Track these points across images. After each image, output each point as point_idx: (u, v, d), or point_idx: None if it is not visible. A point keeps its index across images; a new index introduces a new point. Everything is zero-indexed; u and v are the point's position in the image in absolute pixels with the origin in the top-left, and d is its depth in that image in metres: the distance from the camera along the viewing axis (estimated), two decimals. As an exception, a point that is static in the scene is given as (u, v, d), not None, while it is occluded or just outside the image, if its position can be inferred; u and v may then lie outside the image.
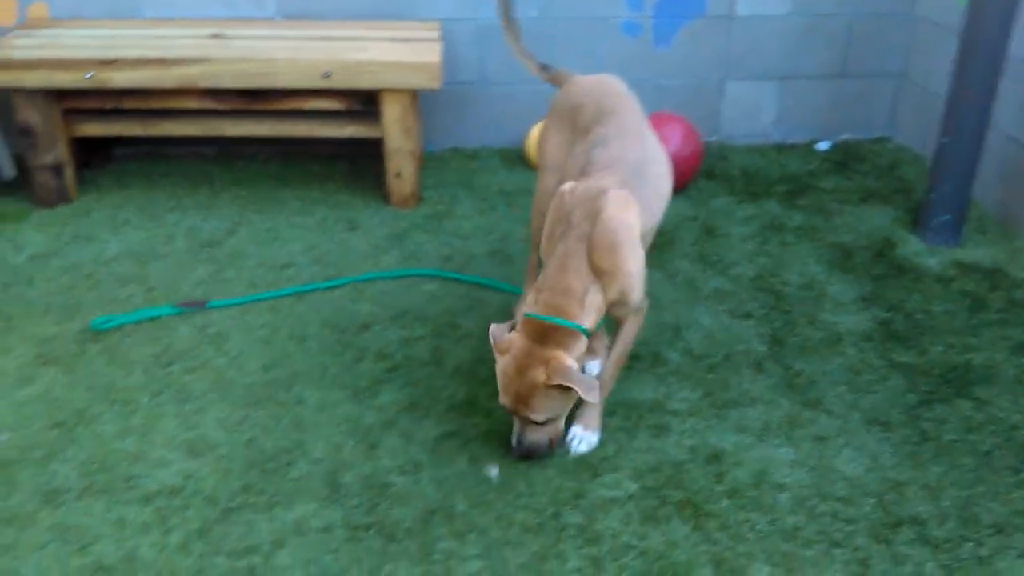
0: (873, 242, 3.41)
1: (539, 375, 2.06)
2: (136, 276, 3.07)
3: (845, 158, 4.18)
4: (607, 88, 2.56)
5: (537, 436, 2.20)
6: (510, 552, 2.03)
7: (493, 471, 2.25)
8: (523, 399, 2.10)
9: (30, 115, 3.38)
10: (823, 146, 4.30)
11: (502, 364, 2.12)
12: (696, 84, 4.19)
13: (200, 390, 2.52)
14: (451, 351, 2.71)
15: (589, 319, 2.13)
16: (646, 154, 2.36)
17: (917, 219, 3.49)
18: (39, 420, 2.39)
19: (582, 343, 2.12)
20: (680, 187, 3.61)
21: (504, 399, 2.14)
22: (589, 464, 2.29)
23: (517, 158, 4.07)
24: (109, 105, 3.47)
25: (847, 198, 3.79)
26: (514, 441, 2.22)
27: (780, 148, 4.26)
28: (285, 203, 3.63)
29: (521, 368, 2.08)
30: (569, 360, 2.07)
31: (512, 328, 2.18)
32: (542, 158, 2.65)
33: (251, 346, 2.71)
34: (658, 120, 3.47)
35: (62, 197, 3.53)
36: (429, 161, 4.03)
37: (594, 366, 2.57)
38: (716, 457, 2.31)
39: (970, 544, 2.07)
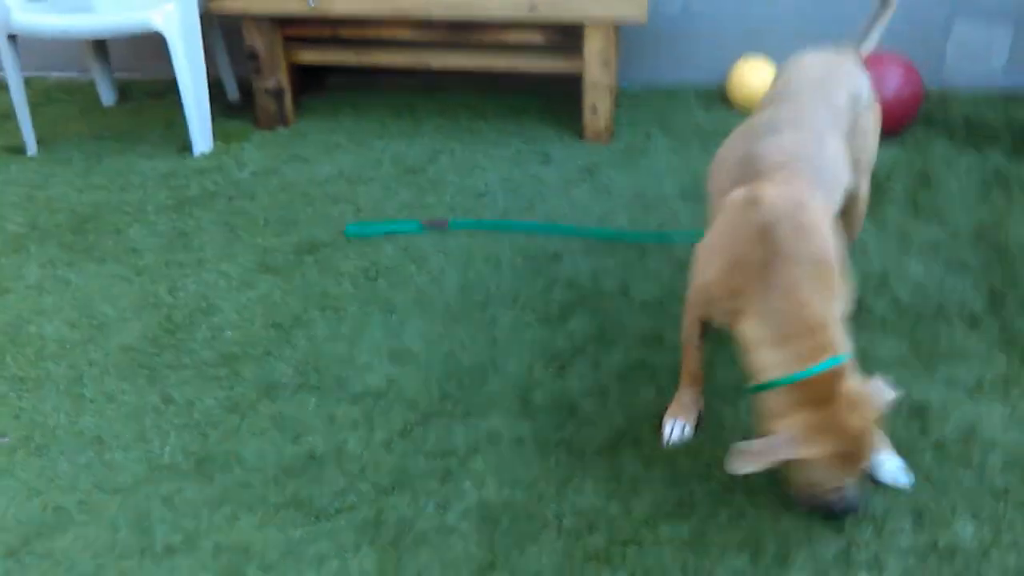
0: (1114, 200, 3.09)
1: (860, 422, 1.74)
2: (346, 196, 3.25)
3: (1084, 108, 3.78)
4: (821, 66, 2.24)
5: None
6: (698, 483, 2.03)
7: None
8: (858, 459, 1.78)
9: (256, 40, 3.62)
10: (1058, 94, 3.91)
11: (824, 453, 1.73)
12: (919, 22, 3.88)
13: (403, 304, 2.65)
14: (639, 285, 2.71)
15: (844, 342, 1.80)
16: (823, 153, 2.02)
17: None
18: (259, 321, 2.61)
19: (852, 367, 1.80)
20: (895, 131, 3.40)
21: (839, 480, 1.80)
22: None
23: (716, 97, 3.96)
24: (327, 34, 3.66)
25: (1082, 151, 3.44)
26: (851, 503, 1.86)
27: (1010, 96, 3.91)
28: (482, 134, 3.72)
29: (841, 432, 1.73)
30: (851, 384, 1.76)
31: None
32: (717, 181, 2.13)
33: (449, 268, 2.82)
34: (875, 60, 3.26)
35: (281, 120, 3.78)
36: (624, 98, 3.99)
37: (890, 462, 2.05)
38: (922, 410, 2.19)
39: None
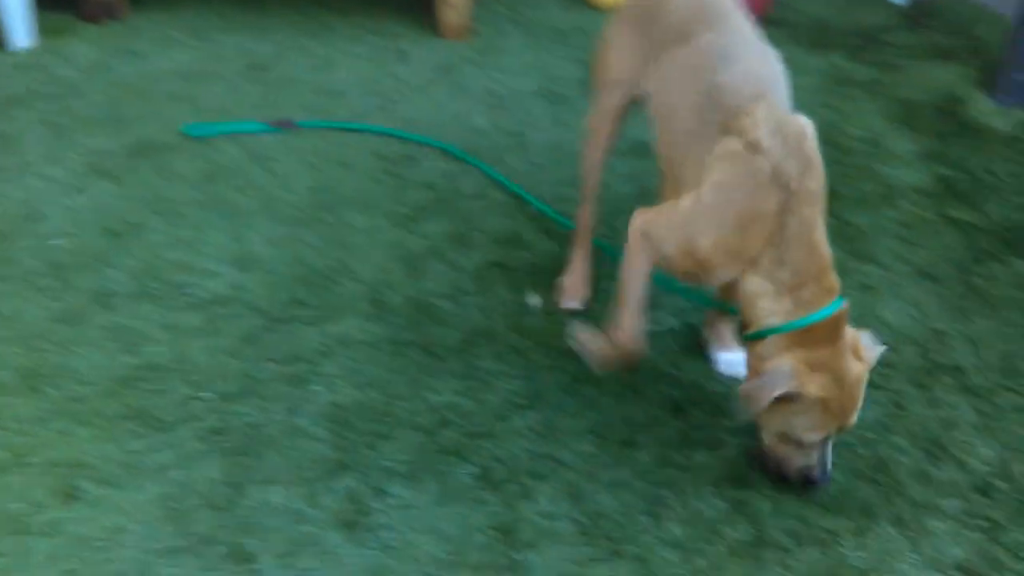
0: (941, 99, 3.26)
1: (860, 368, 1.69)
2: (186, 94, 3.05)
3: (920, 14, 3.95)
4: None
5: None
6: (549, 374, 2.07)
7: (534, 301, 2.27)
8: (851, 407, 1.70)
9: (76, -76, 3.29)
10: (899, 0, 4.06)
11: (820, 392, 1.64)
12: (769, -77, 3.92)
13: (247, 207, 2.53)
14: (497, 186, 2.68)
15: None
16: (775, 70, 1.87)
17: (989, 79, 3.32)
18: (92, 227, 2.44)
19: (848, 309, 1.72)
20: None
21: (828, 428, 1.70)
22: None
23: (574, -4, 3.91)
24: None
25: (918, 54, 3.61)
26: (819, 473, 1.77)
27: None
28: (335, 30, 3.54)
29: (840, 375, 1.65)
30: (854, 334, 1.72)
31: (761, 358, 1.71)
32: (605, 70, 2.13)
33: (298, 169, 2.70)
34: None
35: (111, 12, 3.47)
36: (482, -5, 3.88)
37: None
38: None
39: (1010, 394, 2.07)
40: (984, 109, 3.21)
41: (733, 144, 1.71)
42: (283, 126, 2.87)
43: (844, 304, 1.67)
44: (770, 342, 1.69)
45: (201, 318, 2.16)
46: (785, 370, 1.64)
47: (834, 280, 1.68)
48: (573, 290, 2.27)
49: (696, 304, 2.22)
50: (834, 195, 2.68)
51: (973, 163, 2.91)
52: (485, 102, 3.11)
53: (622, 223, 2.52)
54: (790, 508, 1.81)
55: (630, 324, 1.90)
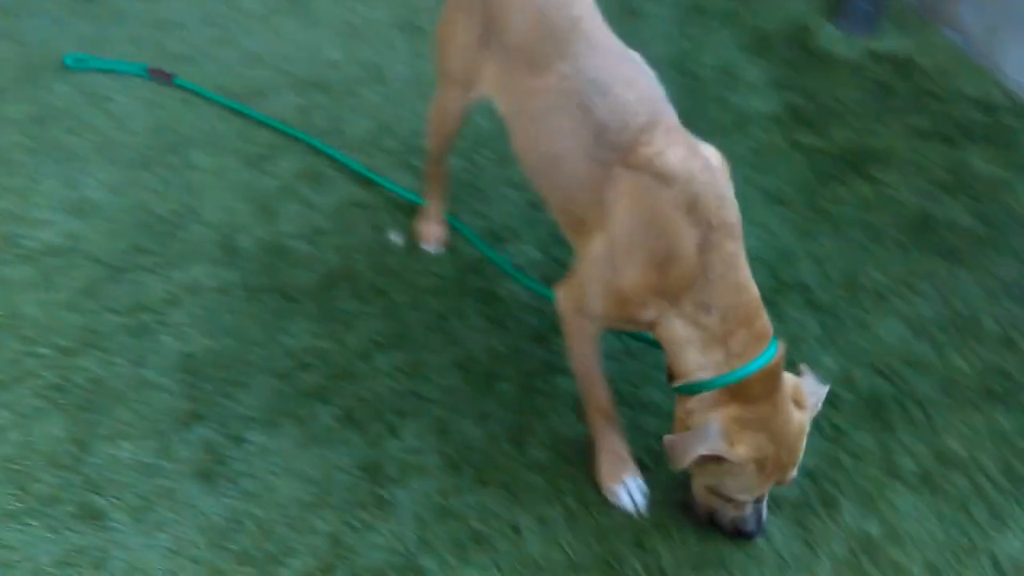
0: (791, 28, 3.35)
1: (801, 418, 1.54)
2: (6, 30, 2.79)
3: (770, -56, 4.03)
4: None
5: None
6: (412, 313, 2.04)
7: (396, 238, 2.22)
8: (790, 461, 1.55)
9: None
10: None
11: (753, 453, 1.49)
12: None
13: (83, 151, 2.35)
14: (352, 121, 2.59)
15: None
16: (647, 80, 1.69)
17: (836, 7, 3.43)
18: (-96, 178, 2.22)
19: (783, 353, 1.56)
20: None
21: (763, 487, 1.56)
22: (494, 233, 2.28)
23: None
24: None
25: (768, -17, 3.69)
26: (752, 526, 1.64)
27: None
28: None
29: (778, 431, 1.50)
30: (793, 380, 1.58)
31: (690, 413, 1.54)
32: (444, 59, 1.92)
33: (137, 108, 2.53)
34: None
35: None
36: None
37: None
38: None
39: (853, 309, 2.17)
40: (832, 37, 3.31)
41: (638, 177, 1.52)
42: (159, 77, 2.64)
43: (779, 350, 1.51)
44: (700, 398, 1.52)
45: (33, 270, 2.01)
46: (712, 430, 1.48)
47: (766, 323, 1.53)
48: (428, 234, 2.21)
49: (644, 343, 2.01)
50: (689, 124, 2.74)
51: (820, 90, 3.01)
52: (339, 33, 2.98)
53: (483, 157, 2.51)
54: (648, 426, 1.85)
55: (600, 398, 1.73)
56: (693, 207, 1.48)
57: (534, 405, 1.88)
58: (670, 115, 1.63)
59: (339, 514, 1.64)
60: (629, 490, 1.72)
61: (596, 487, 1.73)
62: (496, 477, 1.73)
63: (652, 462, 1.78)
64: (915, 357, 2.08)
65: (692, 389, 1.53)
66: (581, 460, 1.77)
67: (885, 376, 2.02)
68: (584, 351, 1.70)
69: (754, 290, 1.52)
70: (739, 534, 1.65)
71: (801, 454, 1.55)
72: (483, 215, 2.33)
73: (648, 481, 1.74)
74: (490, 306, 2.07)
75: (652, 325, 1.56)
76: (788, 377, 1.55)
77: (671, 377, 1.60)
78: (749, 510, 1.61)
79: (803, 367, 1.63)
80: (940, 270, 2.35)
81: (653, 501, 1.72)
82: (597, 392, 1.73)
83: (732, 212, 1.52)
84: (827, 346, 2.08)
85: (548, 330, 2.02)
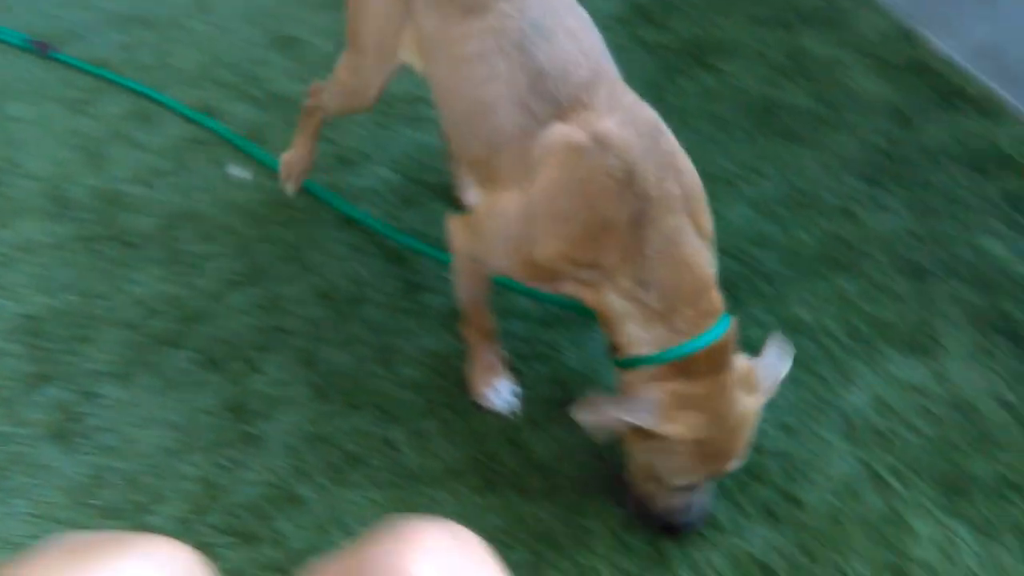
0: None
1: (750, 404, 1.44)
2: None
3: None
4: None
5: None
6: (264, 247, 1.98)
7: (238, 171, 2.14)
8: (732, 449, 1.45)
9: None
10: None
11: (688, 432, 1.39)
12: None
13: None
14: (180, 53, 2.46)
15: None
16: (593, 34, 1.54)
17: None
18: None
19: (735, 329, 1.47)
20: None
21: (698, 474, 1.46)
22: (343, 158, 2.23)
23: None
24: None
25: None
26: (682, 519, 1.53)
27: None
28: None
29: (720, 414, 1.40)
30: (747, 361, 1.48)
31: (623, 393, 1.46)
32: (358, 24, 1.75)
33: (-62, 62, 2.34)
34: None
35: None
36: None
37: None
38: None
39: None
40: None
41: (575, 135, 1.38)
42: (38, 49, 2.39)
43: (729, 329, 1.42)
44: (639, 372, 1.42)
45: None
46: (648, 402, 1.38)
47: (716, 301, 1.42)
48: (288, 169, 2.08)
49: (553, 305, 1.94)
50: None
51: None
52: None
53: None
54: (517, 331, 1.88)
55: (483, 328, 1.71)
56: (630, 177, 1.34)
57: (401, 325, 1.87)
58: (614, 74, 1.50)
59: (207, 456, 1.61)
60: (500, 393, 1.73)
61: (470, 397, 1.75)
62: (367, 399, 1.73)
63: (523, 365, 1.81)
64: (762, 236, 2.17)
65: (632, 363, 1.43)
66: (453, 373, 1.78)
67: (735, 256, 2.10)
68: (473, 290, 1.66)
69: (703, 267, 1.40)
70: (666, 528, 1.54)
71: (744, 442, 1.44)
72: (331, 140, 2.27)
73: (520, 383, 1.77)
74: (346, 232, 2.04)
75: (579, 294, 1.45)
76: (741, 359, 1.44)
77: (612, 350, 1.49)
78: (684, 500, 1.50)
79: (770, 342, 1.51)
80: (783, 152, 2.44)
81: (525, 399, 1.76)
82: (479, 319, 1.70)
83: (676, 184, 1.38)
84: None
85: (408, 250, 2.01)
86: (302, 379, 1.74)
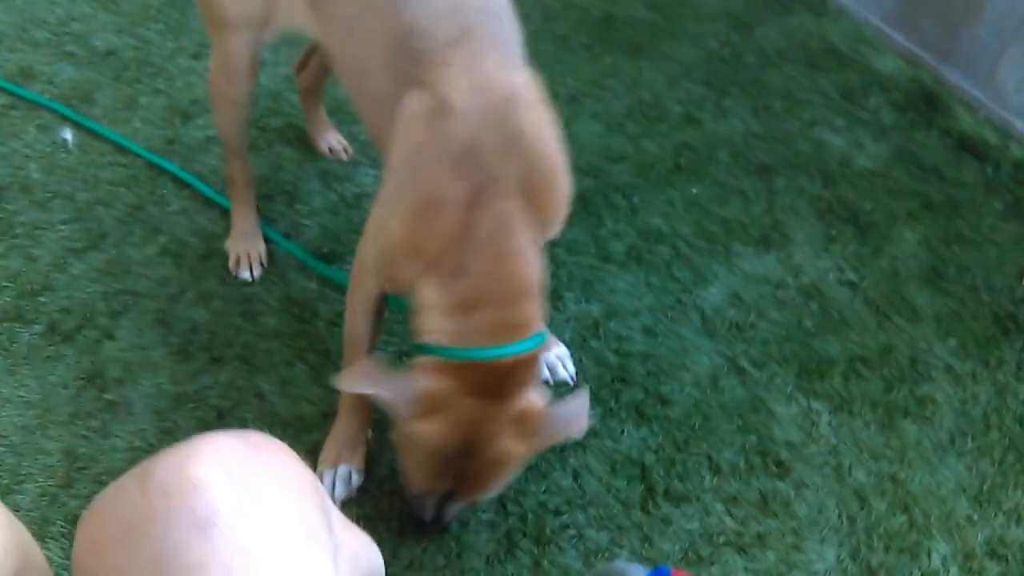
0: None
1: (513, 447, 1.26)
2: None
3: None
4: None
5: (466, 503, 1.38)
6: (103, 210, 1.89)
7: (66, 134, 2.02)
8: (476, 480, 1.29)
9: None
10: None
11: (431, 438, 1.24)
12: None
13: None
14: (-9, 16, 2.29)
15: (543, 305, 1.29)
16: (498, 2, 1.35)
17: None
18: None
19: (542, 354, 1.34)
20: None
21: (432, 484, 1.31)
22: (180, 109, 2.14)
23: None
24: None
25: None
26: (429, 516, 1.39)
27: None
28: None
29: (474, 440, 1.24)
30: (543, 403, 1.28)
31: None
32: (217, 6, 1.54)
33: None
34: None
35: None
36: None
37: (560, 354, 1.74)
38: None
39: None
40: None
41: (420, 100, 1.23)
42: None
43: (531, 352, 1.25)
44: (427, 361, 1.25)
45: None
46: (410, 390, 1.23)
47: (529, 314, 1.25)
48: (243, 255, 1.82)
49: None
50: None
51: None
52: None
53: (152, 31, 2.31)
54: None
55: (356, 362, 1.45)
56: (469, 149, 1.19)
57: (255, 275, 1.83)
58: (492, 31, 1.29)
59: (68, 429, 1.54)
60: (336, 477, 1.51)
61: (336, 350, 1.73)
62: (230, 353, 1.69)
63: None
64: (612, 150, 2.22)
65: (421, 349, 1.27)
66: (315, 318, 1.76)
67: (587, 173, 2.14)
68: (353, 312, 1.43)
69: (527, 267, 1.24)
70: (411, 515, 1.44)
71: (489, 483, 1.30)
72: (164, 92, 2.17)
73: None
74: (186, 188, 1.96)
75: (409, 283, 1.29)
76: (535, 395, 1.27)
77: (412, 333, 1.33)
78: (426, 501, 1.35)
79: (577, 393, 1.31)
80: (625, 65, 2.48)
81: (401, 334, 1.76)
82: (354, 358, 1.45)
83: (517, 166, 1.21)
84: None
85: (259, 198, 1.95)
86: (160, 340, 1.69)
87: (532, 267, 1.24)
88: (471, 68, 1.23)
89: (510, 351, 1.22)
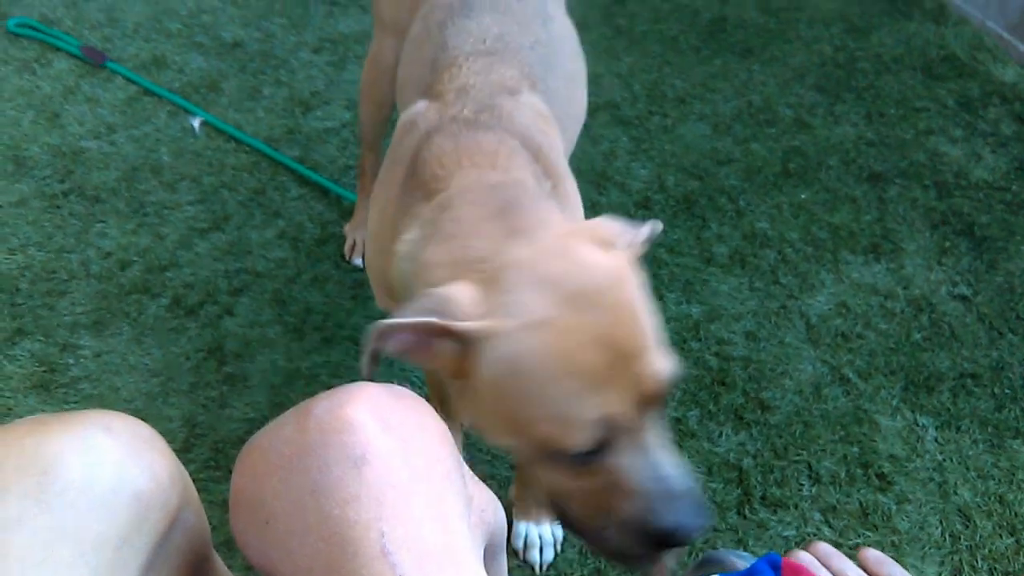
0: None
1: (613, 260, 0.88)
2: None
3: None
4: None
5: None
6: (227, 193, 1.99)
7: (195, 121, 2.13)
8: (637, 329, 0.84)
9: None
10: None
11: (545, 313, 0.81)
12: None
13: None
14: (124, 7, 2.43)
15: None
16: (549, 33, 1.29)
17: None
18: None
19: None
20: None
21: (636, 369, 0.81)
22: (302, 101, 2.22)
23: None
24: None
25: None
26: (671, 519, 0.82)
27: None
28: None
29: (590, 275, 0.84)
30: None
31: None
32: (378, 4, 1.59)
33: None
34: None
35: None
36: None
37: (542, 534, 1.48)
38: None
39: (656, 117, 2.27)
40: None
41: (412, 111, 1.16)
42: (91, 58, 2.25)
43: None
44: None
45: None
46: (442, 294, 0.87)
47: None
48: (358, 245, 1.88)
49: None
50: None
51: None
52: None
53: (275, 24, 2.40)
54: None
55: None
56: (415, 165, 1.04)
57: (368, 260, 1.89)
58: (520, 60, 1.20)
59: (189, 397, 1.63)
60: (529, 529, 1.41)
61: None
62: (341, 333, 1.76)
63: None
64: (719, 152, 2.21)
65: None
66: (422, 303, 1.81)
67: (693, 175, 2.14)
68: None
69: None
70: (623, 558, 0.87)
71: (645, 322, 0.85)
72: (286, 84, 2.26)
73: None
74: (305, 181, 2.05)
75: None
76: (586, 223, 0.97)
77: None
78: (638, 482, 0.82)
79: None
80: (735, 68, 2.46)
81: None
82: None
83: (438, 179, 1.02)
84: (638, 156, 2.17)
85: (369, 186, 2.02)
86: (276, 319, 1.77)
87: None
88: (471, 77, 1.14)
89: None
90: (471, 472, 0.82)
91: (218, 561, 0.87)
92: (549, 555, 1.42)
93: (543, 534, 1.43)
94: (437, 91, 1.14)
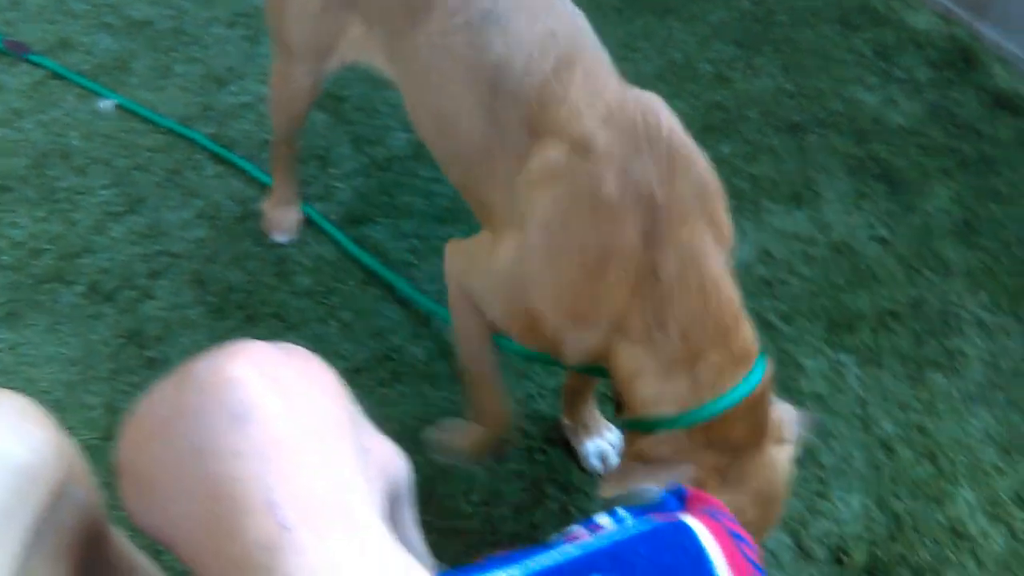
0: None
1: (786, 457, 1.11)
2: None
3: None
4: None
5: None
6: (140, 175, 1.94)
7: (105, 104, 2.07)
8: (776, 522, 1.13)
9: None
10: None
11: (743, 516, 0.98)
12: None
13: None
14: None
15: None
16: (565, 11, 1.25)
17: None
18: None
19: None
20: None
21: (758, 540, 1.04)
22: (215, 76, 2.18)
23: None
24: None
25: None
26: None
27: None
28: None
29: (771, 489, 1.08)
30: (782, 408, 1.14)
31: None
32: (282, 25, 1.51)
33: None
34: None
35: None
36: None
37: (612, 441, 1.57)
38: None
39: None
40: None
41: (553, 152, 1.10)
42: (13, 50, 2.15)
43: (766, 373, 1.08)
44: (660, 439, 1.07)
45: None
46: (680, 476, 1.04)
47: (747, 339, 1.08)
48: (278, 221, 1.86)
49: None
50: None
51: None
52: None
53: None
54: (407, 228, 1.90)
55: (490, 401, 1.37)
56: (628, 183, 1.04)
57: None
58: (591, 53, 1.20)
59: (110, 384, 1.60)
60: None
61: (367, 308, 1.77)
62: (265, 311, 1.73)
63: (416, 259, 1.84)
64: (641, 110, 2.22)
65: (648, 426, 1.09)
66: (347, 277, 1.80)
67: (616, 132, 2.14)
68: (470, 335, 1.31)
69: (728, 291, 1.07)
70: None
71: (782, 510, 1.12)
72: (199, 60, 2.21)
73: (415, 281, 1.80)
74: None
75: (590, 357, 1.14)
76: (773, 409, 1.11)
77: (620, 409, 1.18)
78: None
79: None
80: (655, 27, 2.47)
81: (429, 292, 1.79)
82: (478, 376, 1.35)
83: (687, 180, 1.06)
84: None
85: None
86: (197, 300, 1.74)
87: (733, 289, 1.08)
88: (592, 96, 1.12)
89: (749, 387, 1.05)
90: (370, 425, 0.83)
91: (118, 538, 0.85)
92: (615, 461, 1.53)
93: (612, 442, 1.55)
94: (554, 126, 1.11)
